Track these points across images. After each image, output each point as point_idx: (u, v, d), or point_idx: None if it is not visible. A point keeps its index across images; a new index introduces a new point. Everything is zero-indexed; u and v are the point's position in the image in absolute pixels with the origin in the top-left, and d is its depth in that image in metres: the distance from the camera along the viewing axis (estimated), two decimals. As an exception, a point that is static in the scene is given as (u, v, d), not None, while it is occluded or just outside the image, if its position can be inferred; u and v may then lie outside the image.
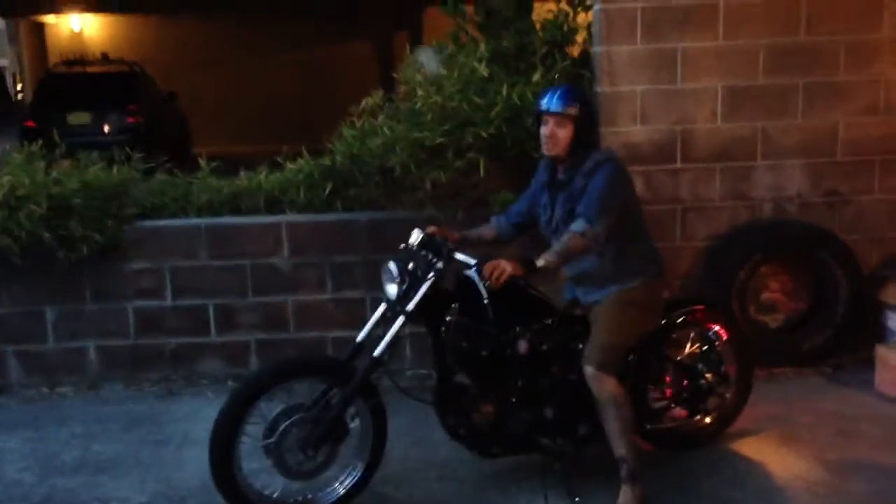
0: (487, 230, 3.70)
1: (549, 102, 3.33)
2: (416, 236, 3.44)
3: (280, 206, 5.09)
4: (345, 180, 5.00)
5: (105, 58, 14.31)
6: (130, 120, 12.77)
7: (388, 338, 3.25)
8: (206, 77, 17.00)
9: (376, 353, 3.25)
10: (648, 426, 3.64)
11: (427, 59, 5.17)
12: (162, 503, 3.61)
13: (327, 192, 4.99)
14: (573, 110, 3.30)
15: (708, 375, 3.73)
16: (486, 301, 3.26)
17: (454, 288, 3.38)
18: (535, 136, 4.54)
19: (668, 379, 3.70)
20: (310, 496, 3.36)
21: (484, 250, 3.57)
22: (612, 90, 4.74)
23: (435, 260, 3.31)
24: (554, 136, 3.33)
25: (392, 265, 3.31)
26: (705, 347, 3.76)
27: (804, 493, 3.47)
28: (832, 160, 4.82)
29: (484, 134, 4.53)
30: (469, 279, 3.36)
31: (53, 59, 15.81)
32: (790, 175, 4.83)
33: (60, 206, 4.67)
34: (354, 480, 3.39)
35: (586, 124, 3.36)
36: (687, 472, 3.67)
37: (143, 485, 3.77)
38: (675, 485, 3.55)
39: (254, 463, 3.32)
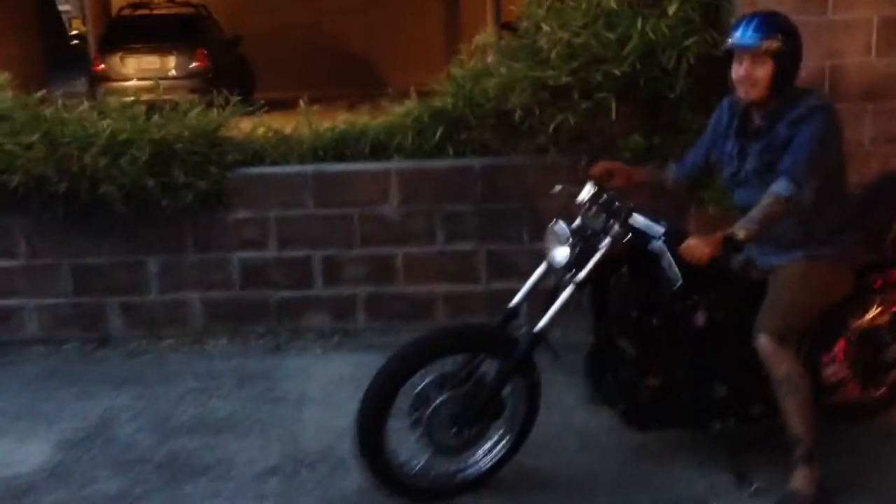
0: (668, 178, 3.35)
1: (743, 35, 2.83)
2: (588, 191, 3.04)
3: (386, 152, 4.79)
4: (456, 124, 4.68)
5: (171, 0, 14.07)
6: (198, 64, 12.57)
7: (553, 310, 2.93)
8: (264, 20, 16.64)
9: (540, 326, 2.95)
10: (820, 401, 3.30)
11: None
12: (292, 467, 3.40)
13: (437, 136, 4.68)
14: (775, 43, 2.81)
15: (894, 347, 3.35)
16: (678, 285, 2.85)
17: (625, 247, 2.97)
18: (672, 74, 4.23)
19: (847, 349, 3.32)
20: (453, 468, 3.13)
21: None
22: (753, 23, 4.30)
23: (612, 223, 2.94)
24: (751, 76, 2.85)
25: (562, 226, 2.97)
26: (894, 316, 3.36)
27: None
28: None
29: (616, 72, 4.15)
30: (645, 247, 2.97)
31: (116, 3, 15.60)
32: (950, 115, 4.39)
33: (163, 152, 4.45)
34: (501, 454, 3.14)
35: (791, 60, 2.87)
36: (858, 444, 3.35)
37: (267, 446, 3.58)
38: (849, 460, 3.23)
39: (396, 432, 3.08)
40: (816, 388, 3.26)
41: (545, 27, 4.33)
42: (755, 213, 2.79)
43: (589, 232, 2.99)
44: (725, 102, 3.17)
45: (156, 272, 4.70)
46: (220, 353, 4.62)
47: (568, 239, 2.95)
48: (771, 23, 2.87)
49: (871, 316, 3.38)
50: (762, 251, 3.10)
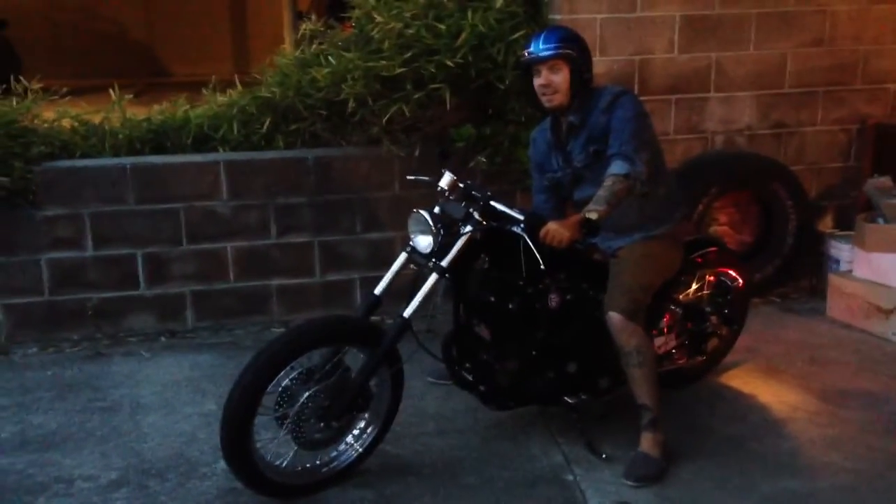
0: None
1: (536, 48, 3.07)
2: (447, 180, 3.09)
3: (210, 144, 4.59)
4: (284, 114, 4.57)
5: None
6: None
7: (419, 297, 2.95)
8: (31, 2, 15.28)
9: (406, 313, 2.95)
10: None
11: None
12: (138, 479, 3.18)
13: (266, 127, 4.54)
14: (565, 50, 3.05)
15: (713, 318, 3.68)
16: (542, 268, 2.92)
17: (483, 236, 3.05)
18: (501, 66, 4.37)
19: (673, 322, 3.59)
20: (320, 462, 3.07)
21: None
22: (570, 18, 4.54)
23: (472, 210, 3.00)
24: (551, 83, 3.08)
25: (425, 214, 2.98)
26: (713, 290, 3.68)
27: (807, 424, 3.50)
28: (780, 92, 4.88)
29: (449, 63, 4.22)
30: (505, 234, 3.03)
31: None
32: (741, 107, 4.86)
33: (-44, 146, 4.00)
34: (367, 444, 3.11)
35: (583, 61, 3.11)
36: (686, 411, 3.62)
37: (106, 460, 3.33)
38: (681, 425, 3.47)
39: (263, 431, 2.98)
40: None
41: (377, 17, 4.32)
42: (601, 194, 2.94)
43: (449, 219, 3.03)
44: (533, 135, 3.40)
45: (-48, 278, 4.23)
46: (31, 364, 4.23)
47: (430, 226, 2.97)
48: (557, 33, 3.13)
49: (693, 290, 3.69)
50: (604, 236, 3.29)
